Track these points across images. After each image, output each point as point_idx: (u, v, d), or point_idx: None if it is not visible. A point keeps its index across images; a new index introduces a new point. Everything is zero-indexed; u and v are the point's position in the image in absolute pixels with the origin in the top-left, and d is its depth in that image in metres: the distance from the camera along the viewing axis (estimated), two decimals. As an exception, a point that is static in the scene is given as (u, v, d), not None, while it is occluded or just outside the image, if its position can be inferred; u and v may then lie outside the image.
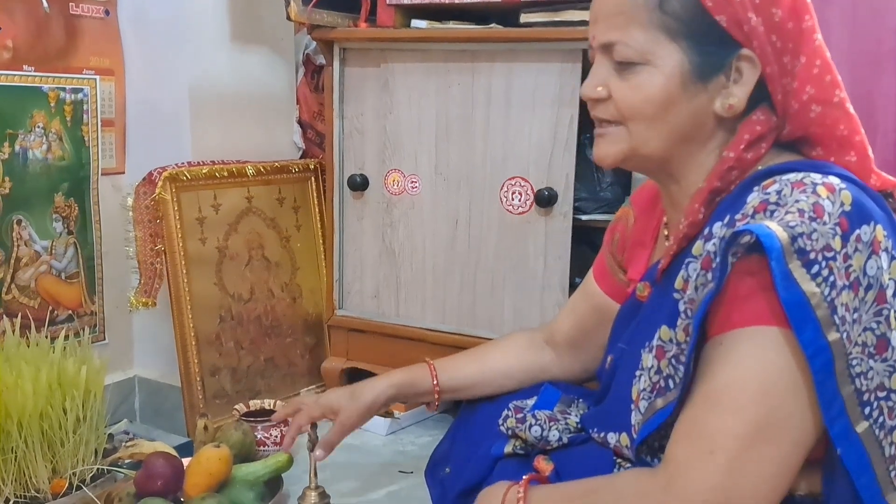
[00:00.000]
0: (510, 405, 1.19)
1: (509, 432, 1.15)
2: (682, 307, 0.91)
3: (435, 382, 1.30)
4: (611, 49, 0.96)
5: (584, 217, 1.88)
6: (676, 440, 0.88)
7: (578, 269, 1.90)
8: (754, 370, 0.84)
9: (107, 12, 2.04)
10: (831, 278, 0.82)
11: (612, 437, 1.05)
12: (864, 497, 0.84)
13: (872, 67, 1.62)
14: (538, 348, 1.31)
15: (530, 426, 1.12)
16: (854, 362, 0.83)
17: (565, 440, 1.11)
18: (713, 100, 0.94)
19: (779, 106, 0.95)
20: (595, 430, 1.09)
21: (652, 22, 0.93)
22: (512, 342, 1.35)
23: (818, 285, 0.81)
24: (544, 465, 1.09)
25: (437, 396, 1.31)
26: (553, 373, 1.29)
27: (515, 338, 1.36)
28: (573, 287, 1.88)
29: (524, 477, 1.01)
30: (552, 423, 1.13)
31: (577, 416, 1.16)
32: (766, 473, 0.83)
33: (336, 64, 2.07)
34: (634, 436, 0.98)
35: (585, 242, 1.93)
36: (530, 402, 1.22)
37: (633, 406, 0.99)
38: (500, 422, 1.17)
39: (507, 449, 1.15)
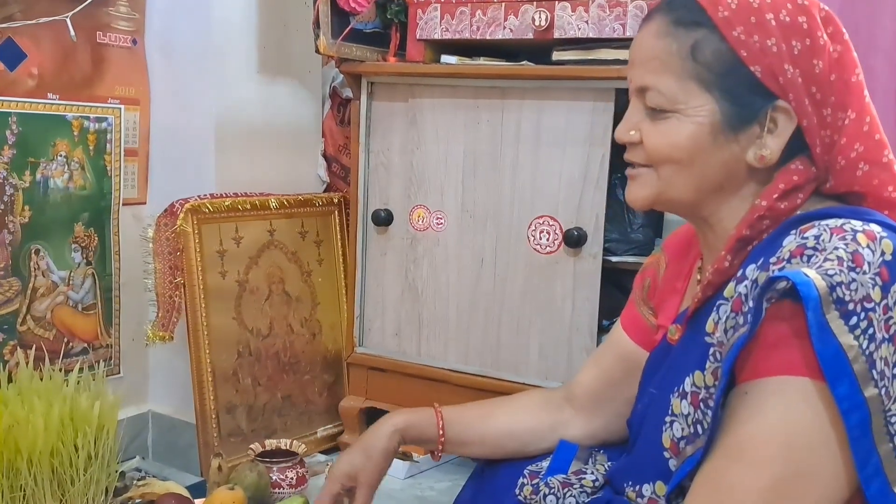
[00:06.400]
0: (525, 471, 1.15)
1: (527, 501, 1.11)
2: (711, 350, 0.89)
3: (441, 433, 1.23)
4: (644, 94, 0.95)
5: (613, 259, 1.83)
6: (695, 492, 0.85)
7: (607, 312, 1.85)
8: (780, 423, 0.80)
9: (134, 42, 2.04)
10: (870, 331, 0.79)
11: (647, 489, 1.00)
12: None
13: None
14: (554, 407, 1.25)
15: (544, 496, 1.08)
16: (893, 419, 0.79)
17: None
18: (745, 149, 0.93)
19: (817, 158, 0.93)
20: (629, 483, 1.04)
21: (685, 70, 0.92)
22: (524, 400, 1.29)
23: (856, 338, 0.78)
24: None
25: (441, 448, 1.24)
26: (570, 433, 1.22)
27: (530, 395, 1.31)
28: (601, 330, 1.83)
29: None
30: (566, 489, 1.08)
31: (593, 473, 1.12)
32: None
33: (363, 98, 2.05)
34: None
35: (615, 284, 1.89)
36: (545, 463, 1.17)
37: (667, 453, 0.95)
38: (517, 491, 1.12)
39: None
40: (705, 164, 0.93)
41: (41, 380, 1.60)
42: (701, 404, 0.90)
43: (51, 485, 1.51)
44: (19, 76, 1.81)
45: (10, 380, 1.60)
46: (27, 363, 1.62)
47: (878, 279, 0.80)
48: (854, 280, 0.79)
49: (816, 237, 0.83)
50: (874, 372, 0.78)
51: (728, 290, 0.88)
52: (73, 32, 1.81)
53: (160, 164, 2.11)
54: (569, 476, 1.12)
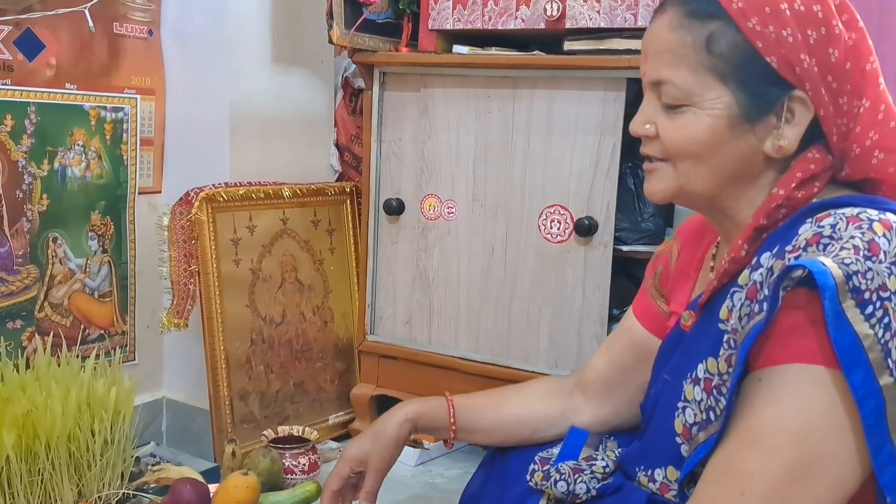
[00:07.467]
0: (536, 458, 1.15)
1: (538, 487, 1.11)
2: (725, 337, 0.89)
3: (452, 421, 1.24)
4: (659, 87, 0.95)
5: (624, 248, 1.83)
6: (707, 478, 0.85)
7: (617, 301, 1.86)
8: (794, 411, 0.81)
9: (150, 32, 2.05)
10: (886, 319, 0.79)
11: (658, 474, 1.01)
12: None
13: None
14: (564, 394, 1.26)
15: (555, 482, 1.08)
16: None
17: (594, 492, 1.07)
18: (763, 140, 0.92)
19: (834, 147, 0.93)
20: (640, 468, 1.05)
21: (700, 63, 0.91)
22: (535, 387, 1.30)
23: (872, 327, 0.78)
24: None
25: (452, 436, 1.25)
26: (580, 420, 1.23)
27: (540, 383, 1.32)
28: (611, 319, 1.84)
29: None
30: (577, 475, 1.08)
31: (604, 459, 1.12)
32: None
33: (376, 88, 2.06)
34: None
35: (625, 274, 1.89)
36: (556, 450, 1.18)
37: (679, 439, 0.96)
38: (528, 477, 1.12)
39: None
40: (723, 156, 0.93)
41: (59, 366, 1.62)
42: (714, 391, 0.90)
43: (68, 469, 1.53)
44: (38, 66, 1.82)
45: (28, 366, 1.62)
46: (45, 349, 1.64)
47: (893, 268, 0.80)
48: (870, 269, 0.79)
49: (832, 226, 0.83)
50: (889, 360, 0.78)
51: (742, 278, 0.89)
52: (91, 23, 1.83)
53: (175, 153, 2.12)
54: (579, 462, 1.12)
